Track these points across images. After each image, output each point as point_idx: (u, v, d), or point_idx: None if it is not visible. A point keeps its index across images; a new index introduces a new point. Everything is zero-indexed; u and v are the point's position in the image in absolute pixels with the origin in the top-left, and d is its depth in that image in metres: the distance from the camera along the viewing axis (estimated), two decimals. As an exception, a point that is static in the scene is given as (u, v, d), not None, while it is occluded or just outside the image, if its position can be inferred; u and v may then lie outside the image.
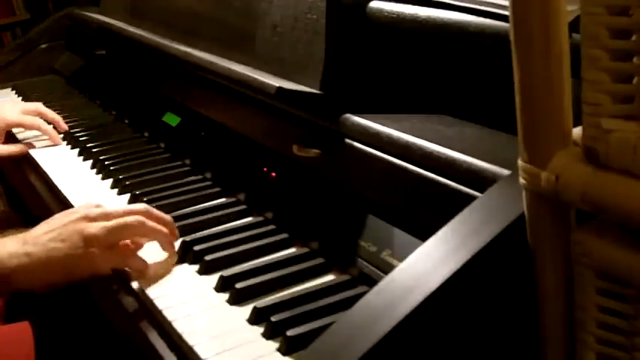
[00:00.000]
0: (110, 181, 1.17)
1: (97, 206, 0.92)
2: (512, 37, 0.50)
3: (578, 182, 0.49)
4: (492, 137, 0.78)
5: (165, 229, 0.91)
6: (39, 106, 1.45)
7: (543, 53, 0.49)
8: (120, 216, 0.89)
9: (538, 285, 0.56)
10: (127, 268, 0.88)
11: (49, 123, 1.42)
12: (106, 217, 0.89)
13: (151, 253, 0.91)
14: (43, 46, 1.89)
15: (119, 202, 1.10)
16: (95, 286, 0.96)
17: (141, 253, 0.91)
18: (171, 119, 1.32)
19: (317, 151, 0.92)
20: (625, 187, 0.46)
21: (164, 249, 0.91)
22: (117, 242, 0.88)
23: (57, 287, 0.88)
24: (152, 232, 0.90)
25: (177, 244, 0.93)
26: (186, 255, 0.91)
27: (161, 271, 0.88)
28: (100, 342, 0.95)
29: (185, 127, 1.28)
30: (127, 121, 1.45)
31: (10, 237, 0.88)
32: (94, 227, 0.86)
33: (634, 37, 0.45)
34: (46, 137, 1.40)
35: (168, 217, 0.94)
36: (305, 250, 0.89)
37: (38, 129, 1.40)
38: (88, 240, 0.85)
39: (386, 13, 0.89)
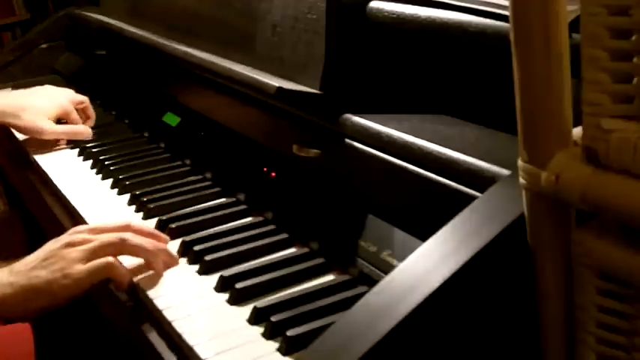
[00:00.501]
0: (110, 181, 1.17)
1: (81, 232, 0.92)
2: (512, 37, 0.50)
3: (578, 182, 0.49)
4: (492, 137, 0.78)
5: (148, 245, 0.89)
6: (85, 99, 1.45)
7: (543, 53, 0.49)
8: (103, 231, 0.90)
9: (538, 285, 0.56)
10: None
11: (88, 117, 1.44)
12: (88, 240, 0.89)
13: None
14: (43, 46, 1.88)
15: (119, 202, 1.10)
16: (95, 287, 0.96)
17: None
18: (171, 119, 1.32)
19: (317, 151, 0.92)
20: (625, 187, 0.46)
21: (151, 265, 0.88)
22: (101, 257, 0.87)
23: (45, 313, 0.88)
24: (134, 250, 0.89)
25: (176, 243, 0.94)
26: (186, 255, 0.91)
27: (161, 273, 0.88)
28: (100, 342, 0.95)
29: (185, 127, 1.28)
30: (127, 121, 1.45)
31: (0, 269, 0.89)
32: (76, 251, 0.87)
33: (634, 37, 0.45)
34: None
35: (150, 228, 0.93)
36: (305, 250, 0.89)
37: (77, 122, 1.40)
38: (69, 263, 0.86)
39: (386, 13, 0.89)
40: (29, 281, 0.86)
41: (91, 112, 1.45)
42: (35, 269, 0.87)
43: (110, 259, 0.86)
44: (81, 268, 0.86)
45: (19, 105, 1.37)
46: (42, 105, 1.37)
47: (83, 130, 1.38)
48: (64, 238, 0.91)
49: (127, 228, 0.91)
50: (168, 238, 0.94)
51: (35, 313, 0.88)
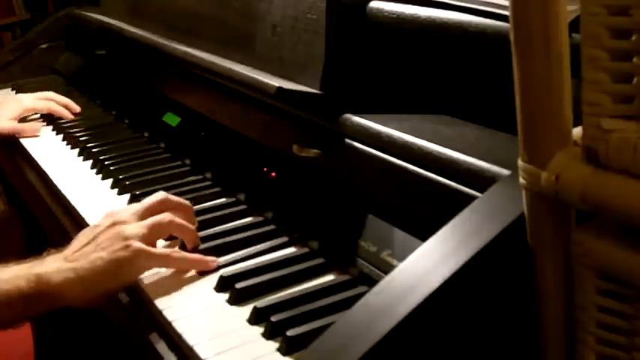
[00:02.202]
0: (110, 181, 1.17)
1: (116, 212, 0.91)
2: (512, 37, 0.50)
3: (578, 182, 0.49)
4: (492, 137, 0.78)
5: (191, 227, 0.91)
6: (50, 93, 1.55)
7: (543, 53, 0.49)
8: (146, 212, 0.89)
9: (538, 285, 0.56)
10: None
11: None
12: (134, 216, 0.88)
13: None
14: (43, 46, 1.88)
15: (119, 202, 1.10)
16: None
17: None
18: (171, 119, 1.32)
19: (317, 151, 0.92)
20: (625, 187, 0.46)
21: (188, 246, 0.90)
22: (154, 240, 0.88)
23: (111, 294, 0.85)
24: (180, 229, 0.89)
25: (176, 243, 0.94)
26: (186, 255, 0.91)
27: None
28: (100, 342, 0.95)
29: (185, 127, 1.28)
30: (127, 121, 1.45)
31: (48, 257, 0.86)
32: (131, 227, 0.85)
33: (634, 37, 0.45)
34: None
35: (186, 202, 0.93)
36: (305, 250, 0.89)
37: (49, 110, 1.51)
38: (129, 239, 0.84)
39: (386, 13, 0.89)
40: (93, 264, 0.82)
41: (63, 101, 1.53)
42: (94, 251, 0.84)
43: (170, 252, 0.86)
44: (147, 249, 0.84)
45: None
46: (3, 111, 1.47)
47: (27, 129, 1.45)
48: (106, 220, 0.88)
49: (166, 202, 0.90)
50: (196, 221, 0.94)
51: (104, 297, 0.85)
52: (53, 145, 1.39)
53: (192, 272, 0.88)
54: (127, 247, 0.83)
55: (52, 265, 0.83)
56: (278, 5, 1.01)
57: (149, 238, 0.85)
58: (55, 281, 0.81)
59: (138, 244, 0.83)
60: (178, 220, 0.89)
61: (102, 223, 0.88)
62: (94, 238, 0.85)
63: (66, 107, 1.52)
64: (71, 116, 1.51)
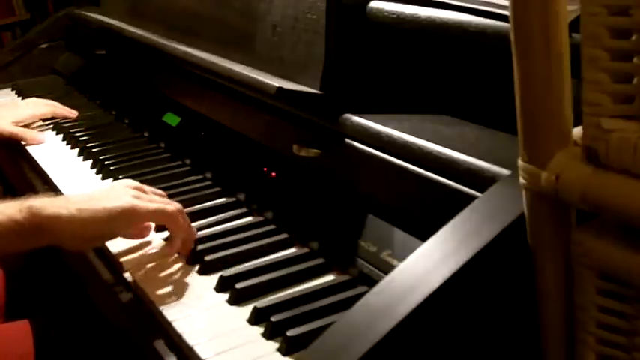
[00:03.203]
0: (110, 181, 1.17)
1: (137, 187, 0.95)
2: (512, 37, 0.50)
3: (578, 182, 0.49)
4: (492, 137, 0.78)
5: (190, 230, 0.93)
6: (50, 103, 1.53)
7: (543, 53, 0.49)
8: (156, 194, 0.95)
9: (538, 285, 0.56)
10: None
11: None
12: (144, 190, 0.94)
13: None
14: (43, 46, 1.88)
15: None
16: (95, 286, 0.96)
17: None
18: (171, 119, 1.32)
19: (317, 151, 0.92)
20: (625, 187, 0.46)
21: (182, 250, 0.91)
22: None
23: (95, 243, 0.92)
24: (181, 229, 0.91)
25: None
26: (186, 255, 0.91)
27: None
28: (100, 341, 0.95)
29: (185, 127, 1.28)
30: (127, 121, 1.45)
31: (47, 194, 0.91)
32: (136, 195, 0.90)
33: (634, 37, 0.45)
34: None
35: (193, 229, 0.95)
36: (305, 250, 0.89)
37: (54, 114, 1.50)
38: (131, 196, 0.89)
39: (386, 13, 0.89)
40: (94, 206, 0.86)
41: (62, 113, 1.51)
42: (95, 199, 0.88)
43: (174, 209, 0.90)
44: (143, 204, 0.88)
45: None
46: (2, 114, 1.45)
47: (28, 137, 1.42)
48: (121, 182, 0.96)
49: (181, 212, 0.92)
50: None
51: (87, 242, 0.90)
52: (53, 145, 1.39)
53: (193, 272, 0.88)
54: (123, 199, 0.88)
55: (48, 200, 0.87)
56: (278, 5, 1.01)
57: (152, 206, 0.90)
58: (47, 213, 0.84)
59: (134, 200, 0.88)
60: (182, 221, 0.91)
61: (115, 183, 0.96)
62: (96, 192, 0.92)
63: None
64: (75, 114, 1.50)
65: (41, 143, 1.41)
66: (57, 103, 1.53)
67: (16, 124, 1.44)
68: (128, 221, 0.89)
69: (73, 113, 1.51)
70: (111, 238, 0.92)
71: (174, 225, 0.90)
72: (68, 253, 1.06)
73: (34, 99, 1.56)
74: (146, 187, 0.96)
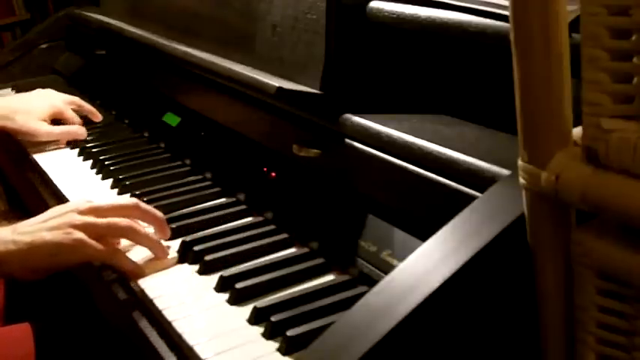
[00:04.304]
0: (110, 181, 1.17)
1: (88, 201, 0.94)
2: (512, 37, 0.50)
3: (578, 182, 0.49)
4: (492, 137, 0.78)
5: (153, 237, 0.92)
6: (76, 98, 1.46)
7: (543, 53, 0.49)
8: (109, 210, 0.92)
9: (538, 285, 0.56)
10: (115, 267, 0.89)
11: (85, 115, 1.45)
12: (96, 211, 0.91)
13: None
14: (43, 46, 1.88)
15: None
16: (95, 286, 0.96)
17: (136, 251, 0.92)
18: (171, 119, 1.32)
19: (317, 151, 0.92)
20: (625, 187, 0.46)
21: (155, 254, 0.91)
22: (103, 236, 0.90)
23: (43, 274, 0.90)
24: (140, 239, 0.91)
25: (176, 243, 0.94)
26: (186, 255, 0.91)
27: (158, 268, 0.89)
28: (100, 343, 0.95)
29: (185, 127, 1.28)
30: (127, 121, 1.45)
31: (2, 227, 0.92)
32: (84, 217, 0.89)
33: (634, 37, 0.45)
34: None
35: (158, 213, 0.95)
36: (305, 250, 0.89)
37: (81, 107, 1.43)
38: (74, 227, 0.88)
39: (386, 13, 0.89)
40: (33, 239, 0.87)
41: (88, 108, 1.45)
42: (42, 230, 0.88)
43: (120, 245, 0.91)
44: (89, 243, 0.87)
45: (10, 108, 1.37)
46: (34, 106, 1.37)
47: (77, 130, 1.37)
48: (72, 204, 0.93)
49: (135, 209, 0.93)
50: (169, 232, 0.95)
51: (35, 274, 0.90)
52: (53, 145, 1.39)
53: (193, 272, 0.88)
54: (69, 233, 0.87)
55: None
56: (278, 5, 1.01)
57: (97, 232, 0.88)
58: None
59: (79, 234, 0.87)
60: (138, 227, 0.91)
61: (67, 206, 0.93)
62: (48, 218, 0.90)
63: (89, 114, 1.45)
64: (100, 117, 1.44)
65: (83, 136, 1.36)
66: (81, 101, 1.45)
67: (46, 120, 1.37)
68: (75, 255, 0.88)
69: (78, 132, 1.40)
70: (64, 269, 0.91)
71: (134, 237, 0.91)
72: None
73: (56, 92, 1.48)
74: (103, 206, 0.93)
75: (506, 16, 0.70)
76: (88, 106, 1.45)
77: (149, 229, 0.94)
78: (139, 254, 0.92)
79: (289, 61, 0.98)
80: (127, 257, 0.89)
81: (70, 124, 1.40)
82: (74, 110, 1.43)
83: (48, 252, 0.87)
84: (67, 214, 0.90)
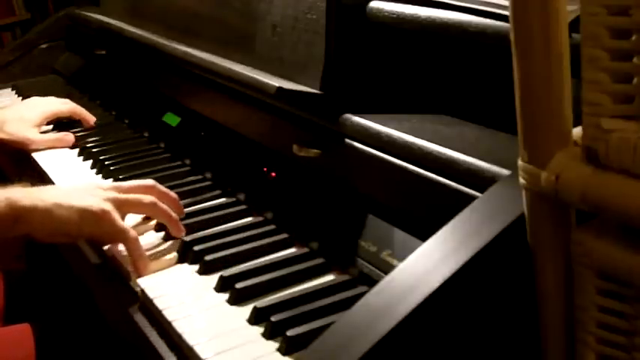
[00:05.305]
0: (110, 181, 1.17)
1: (109, 185, 0.98)
2: (512, 37, 0.50)
3: (578, 182, 0.49)
4: (492, 137, 0.78)
5: (174, 214, 0.95)
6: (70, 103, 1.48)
7: (543, 53, 0.49)
8: (130, 189, 0.95)
9: (538, 285, 0.56)
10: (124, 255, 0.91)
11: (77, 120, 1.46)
12: (118, 188, 0.95)
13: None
14: (43, 46, 1.88)
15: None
16: (95, 286, 0.96)
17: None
18: (171, 119, 1.32)
19: (317, 151, 0.92)
20: (625, 187, 0.46)
21: (172, 232, 0.94)
22: (126, 211, 0.93)
23: (60, 239, 0.93)
24: (162, 214, 0.94)
25: (177, 243, 0.94)
26: (186, 255, 0.91)
27: (160, 266, 0.90)
28: (100, 343, 0.95)
29: (185, 127, 1.28)
30: (127, 121, 1.45)
31: (24, 186, 0.92)
32: (108, 192, 0.92)
33: (634, 37, 0.45)
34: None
35: (172, 193, 0.98)
36: (305, 250, 0.89)
37: (73, 112, 1.44)
38: (104, 201, 0.90)
39: (386, 13, 0.89)
40: (61, 201, 0.88)
41: (81, 113, 1.45)
42: (70, 195, 0.90)
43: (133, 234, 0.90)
44: (114, 214, 0.89)
45: (0, 119, 1.37)
46: (25, 115, 1.38)
47: (62, 137, 1.37)
48: (93, 182, 0.99)
49: (152, 188, 0.96)
50: (183, 212, 0.98)
51: (52, 237, 0.91)
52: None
53: (193, 272, 0.88)
54: (97, 203, 0.89)
55: (24, 191, 0.89)
56: (278, 5, 1.01)
57: (121, 206, 0.91)
58: (23, 204, 0.87)
59: (107, 205, 0.89)
60: (161, 204, 0.94)
61: (88, 183, 0.97)
62: (72, 189, 0.93)
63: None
64: (92, 122, 1.44)
65: (72, 142, 1.36)
66: (76, 105, 1.47)
67: (38, 127, 1.38)
68: (97, 225, 0.89)
69: (92, 118, 1.45)
70: (79, 237, 0.93)
71: (156, 212, 0.94)
72: (69, 254, 1.07)
73: (51, 97, 1.50)
74: (124, 185, 0.97)
75: (506, 16, 0.70)
76: (81, 112, 1.46)
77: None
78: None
79: (289, 61, 0.98)
80: (141, 246, 0.90)
81: (68, 119, 1.44)
82: (67, 116, 1.45)
83: (73, 216, 0.88)
84: (94, 189, 0.92)
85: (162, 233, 0.97)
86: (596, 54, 0.47)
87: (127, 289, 0.87)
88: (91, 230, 0.90)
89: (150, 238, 0.96)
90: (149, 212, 0.95)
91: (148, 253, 0.91)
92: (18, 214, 0.87)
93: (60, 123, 1.46)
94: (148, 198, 0.94)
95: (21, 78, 1.83)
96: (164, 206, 0.94)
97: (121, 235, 0.90)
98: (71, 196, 0.90)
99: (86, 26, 1.71)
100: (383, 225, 0.82)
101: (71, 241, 0.95)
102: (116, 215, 0.89)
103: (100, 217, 0.88)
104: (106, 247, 0.94)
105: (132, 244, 0.89)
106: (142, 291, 0.84)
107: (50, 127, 1.45)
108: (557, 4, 0.48)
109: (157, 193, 0.96)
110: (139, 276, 0.87)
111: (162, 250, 0.94)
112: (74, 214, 0.88)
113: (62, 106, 1.45)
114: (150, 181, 0.98)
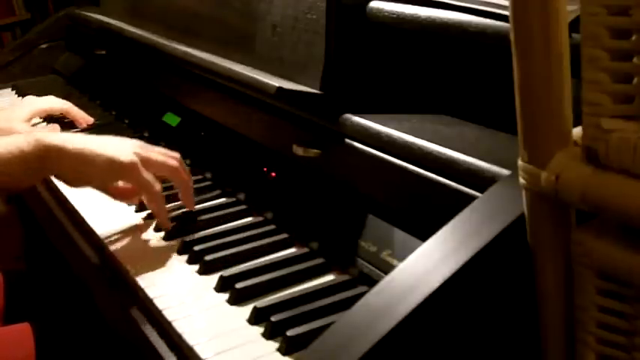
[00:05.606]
0: (138, 140, 1.16)
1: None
2: (512, 37, 0.50)
3: (578, 182, 0.49)
4: (492, 137, 0.78)
5: (191, 183, 1.00)
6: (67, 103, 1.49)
7: (543, 53, 0.49)
8: (158, 152, 0.99)
9: (538, 285, 0.56)
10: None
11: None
12: (145, 147, 0.98)
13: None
14: (43, 46, 1.88)
15: (118, 202, 1.10)
16: (95, 286, 0.96)
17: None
18: (171, 119, 1.32)
19: (317, 151, 0.92)
20: (625, 187, 0.46)
21: (184, 200, 1.00)
22: (151, 171, 0.95)
23: (87, 186, 0.96)
24: (181, 181, 0.98)
25: (177, 243, 0.94)
26: (186, 255, 0.91)
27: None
28: (100, 343, 0.95)
29: (185, 127, 1.28)
30: (126, 121, 1.45)
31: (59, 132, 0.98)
32: (140, 149, 0.95)
33: (634, 37, 0.45)
34: None
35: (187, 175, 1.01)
36: (305, 250, 0.89)
37: (64, 111, 1.46)
38: (133, 154, 0.93)
39: (386, 13, 0.89)
40: (91, 147, 0.92)
41: (74, 113, 1.46)
42: (102, 144, 0.94)
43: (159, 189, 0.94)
44: (141, 167, 0.92)
45: None
46: (15, 110, 1.42)
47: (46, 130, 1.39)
48: (124, 138, 1.00)
49: (176, 158, 0.99)
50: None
51: (81, 181, 0.95)
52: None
53: (193, 272, 0.88)
54: (125, 154, 0.92)
55: (53, 133, 0.95)
56: (278, 5, 1.01)
57: (146, 163, 0.94)
58: (54, 143, 0.90)
59: (134, 157, 0.93)
60: (182, 172, 0.98)
61: (119, 139, 0.99)
62: (103, 138, 0.96)
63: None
64: (84, 124, 1.45)
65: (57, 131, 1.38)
66: (71, 104, 1.48)
67: (27, 122, 1.40)
68: (123, 175, 0.94)
69: (86, 119, 1.46)
70: (99, 186, 0.97)
71: (177, 178, 0.97)
72: (69, 254, 1.07)
73: (55, 97, 1.51)
74: (152, 147, 0.99)
75: (506, 16, 0.70)
76: (75, 113, 1.46)
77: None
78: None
79: (289, 61, 0.98)
80: (164, 200, 0.96)
81: (59, 116, 1.46)
82: (59, 115, 1.46)
83: (101, 163, 0.91)
84: (124, 142, 0.96)
85: (162, 233, 0.97)
86: (596, 54, 0.47)
87: (127, 289, 0.87)
88: (115, 178, 0.94)
89: (149, 238, 0.97)
90: (170, 175, 0.98)
91: (148, 253, 0.92)
92: (47, 153, 0.89)
93: (61, 122, 1.46)
94: (172, 162, 0.97)
95: (21, 78, 1.83)
96: (185, 175, 0.98)
97: (145, 188, 0.94)
98: (102, 144, 0.93)
99: (86, 26, 1.71)
100: (383, 225, 0.82)
101: (96, 188, 0.97)
102: (142, 169, 0.93)
103: (128, 168, 0.92)
104: (106, 246, 0.94)
105: (154, 196, 0.94)
106: (142, 291, 0.84)
107: (41, 121, 1.47)
108: (557, 4, 0.48)
109: (180, 162, 0.99)
110: (165, 228, 0.95)
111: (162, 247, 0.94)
112: (103, 161, 0.91)
113: (53, 103, 1.46)
114: (176, 154, 1.00)
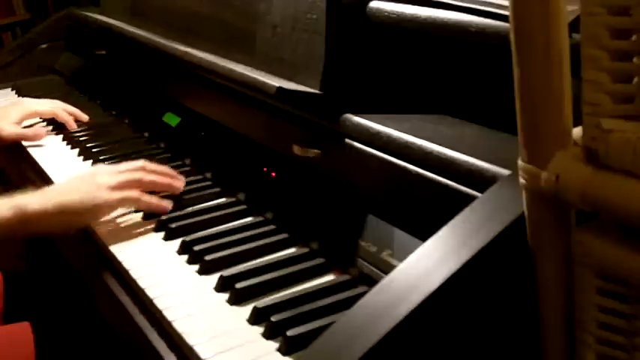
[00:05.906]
0: (104, 165, 1.16)
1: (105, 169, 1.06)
2: (512, 37, 0.50)
3: (578, 182, 0.49)
4: (492, 137, 0.78)
5: (162, 179, 1.04)
6: (58, 101, 1.50)
7: (543, 53, 0.49)
8: (126, 171, 1.03)
9: (538, 285, 0.56)
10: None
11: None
12: (113, 172, 1.02)
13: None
14: (43, 46, 1.88)
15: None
16: (95, 287, 0.96)
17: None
18: (171, 119, 1.32)
19: (317, 151, 0.92)
20: (625, 187, 0.46)
21: (169, 191, 1.05)
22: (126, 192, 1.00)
23: (73, 229, 1.00)
24: (151, 184, 1.03)
25: (177, 243, 0.94)
26: (186, 255, 0.91)
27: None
28: (100, 342, 0.95)
29: (185, 127, 1.28)
30: (127, 121, 1.45)
31: (29, 192, 0.99)
32: (105, 177, 1.00)
33: (634, 37, 0.45)
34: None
35: (164, 167, 1.07)
36: (305, 250, 0.89)
37: (54, 115, 1.46)
38: (99, 186, 0.98)
39: (386, 13, 0.89)
40: (64, 197, 0.97)
41: (64, 117, 1.46)
42: (70, 189, 0.99)
43: (137, 193, 1.00)
44: (112, 193, 0.98)
45: None
46: (7, 111, 1.44)
47: (30, 131, 1.41)
48: (90, 172, 1.05)
49: (142, 168, 1.04)
50: (183, 178, 1.08)
51: (67, 229, 0.99)
52: (53, 144, 1.39)
53: (193, 272, 0.88)
54: (100, 195, 0.97)
55: (30, 196, 0.97)
56: (278, 5, 1.01)
57: (118, 188, 0.99)
58: (32, 209, 0.95)
59: (109, 194, 0.97)
60: (148, 177, 1.02)
61: (88, 171, 1.06)
62: (74, 186, 1.00)
63: (74, 116, 1.47)
64: (75, 126, 1.45)
65: (42, 137, 1.40)
66: (62, 103, 1.49)
67: (17, 123, 1.42)
68: (104, 213, 1.00)
69: (73, 122, 1.46)
70: (90, 224, 1.01)
71: (144, 205, 1.01)
72: (69, 254, 1.07)
73: (35, 99, 1.53)
74: (113, 170, 1.03)
75: (506, 16, 0.70)
76: (62, 116, 1.46)
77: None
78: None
79: (289, 61, 0.98)
80: (144, 196, 1.01)
81: (47, 118, 1.48)
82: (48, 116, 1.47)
83: (83, 212, 0.97)
84: (87, 176, 1.01)
85: (162, 233, 0.97)
86: (596, 54, 0.47)
87: (127, 290, 0.87)
88: (101, 217, 1.00)
89: (149, 238, 0.97)
90: (145, 189, 1.02)
91: (148, 253, 0.92)
92: (28, 219, 0.94)
93: (55, 123, 1.47)
94: (138, 174, 1.02)
95: (21, 78, 1.83)
96: (150, 177, 1.02)
97: (127, 204, 1.01)
98: (76, 192, 0.98)
99: (86, 26, 1.71)
100: (383, 225, 0.82)
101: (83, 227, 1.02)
102: (117, 193, 0.98)
103: (108, 206, 0.99)
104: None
105: (137, 202, 1.00)
106: (143, 291, 0.84)
107: (34, 121, 1.48)
108: (557, 4, 0.48)
109: (144, 166, 1.04)
110: (164, 210, 1.01)
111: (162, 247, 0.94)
112: (83, 211, 0.97)
113: (44, 106, 1.47)
114: (139, 162, 1.05)
